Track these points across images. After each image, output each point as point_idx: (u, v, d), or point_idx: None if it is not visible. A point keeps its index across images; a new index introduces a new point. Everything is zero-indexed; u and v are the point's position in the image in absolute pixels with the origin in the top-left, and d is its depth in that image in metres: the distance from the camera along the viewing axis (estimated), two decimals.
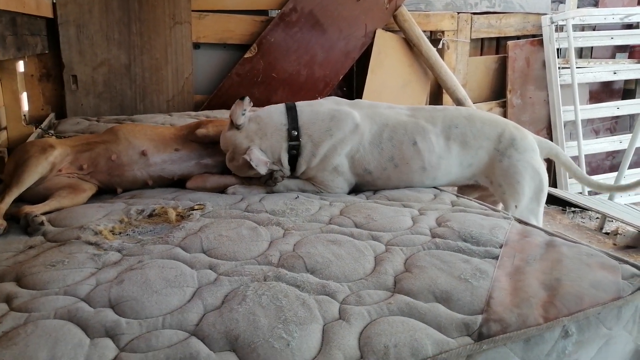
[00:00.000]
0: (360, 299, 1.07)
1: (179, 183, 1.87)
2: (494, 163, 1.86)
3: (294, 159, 1.78)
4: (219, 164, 1.88)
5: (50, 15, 2.67)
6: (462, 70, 3.93)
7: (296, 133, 1.76)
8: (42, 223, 1.43)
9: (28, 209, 1.49)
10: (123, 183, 1.79)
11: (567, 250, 1.27)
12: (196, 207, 1.61)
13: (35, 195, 1.66)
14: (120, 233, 1.41)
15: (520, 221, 1.53)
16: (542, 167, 1.89)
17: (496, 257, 1.25)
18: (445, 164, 1.85)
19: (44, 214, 1.52)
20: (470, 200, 1.76)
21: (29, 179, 1.60)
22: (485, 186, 1.91)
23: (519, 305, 1.04)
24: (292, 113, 1.78)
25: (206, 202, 1.64)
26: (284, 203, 1.62)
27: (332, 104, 1.86)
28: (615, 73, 4.30)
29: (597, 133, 4.51)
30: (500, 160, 1.85)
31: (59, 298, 1.05)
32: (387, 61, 3.49)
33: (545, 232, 1.43)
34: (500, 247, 1.30)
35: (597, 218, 3.74)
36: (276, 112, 1.80)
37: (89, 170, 1.76)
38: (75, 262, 1.19)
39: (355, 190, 1.88)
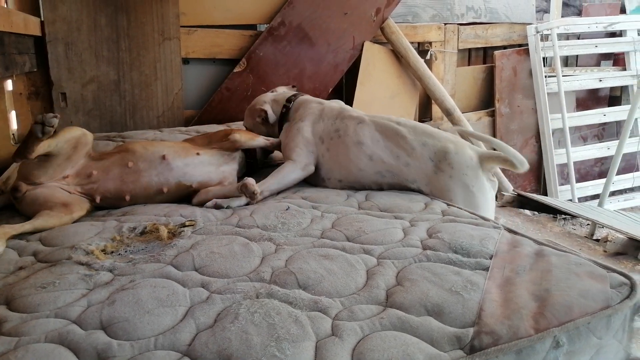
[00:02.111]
0: (353, 315, 1.07)
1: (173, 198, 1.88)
2: (432, 175, 1.89)
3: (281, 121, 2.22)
4: (233, 172, 2.01)
5: (38, 33, 2.67)
6: (450, 80, 3.98)
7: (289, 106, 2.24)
8: None
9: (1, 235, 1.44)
10: (135, 190, 1.77)
11: (555, 260, 1.28)
12: (187, 223, 1.61)
13: (33, 201, 1.65)
14: (112, 252, 1.41)
15: (510, 230, 1.54)
16: (479, 185, 1.85)
17: (487, 269, 1.25)
18: (380, 148, 1.95)
19: (28, 233, 1.51)
20: (460, 209, 1.78)
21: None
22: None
23: (509, 317, 1.04)
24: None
25: (197, 218, 1.65)
26: (275, 217, 1.63)
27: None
28: (600, 80, 4.37)
29: (585, 140, 4.57)
30: (436, 173, 1.88)
31: (49, 321, 1.04)
32: (376, 73, 3.52)
33: (535, 241, 1.44)
34: (491, 258, 1.31)
35: (588, 225, 3.77)
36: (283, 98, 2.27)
37: (98, 178, 1.74)
38: (66, 283, 1.18)
39: (318, 177, 2.05)
